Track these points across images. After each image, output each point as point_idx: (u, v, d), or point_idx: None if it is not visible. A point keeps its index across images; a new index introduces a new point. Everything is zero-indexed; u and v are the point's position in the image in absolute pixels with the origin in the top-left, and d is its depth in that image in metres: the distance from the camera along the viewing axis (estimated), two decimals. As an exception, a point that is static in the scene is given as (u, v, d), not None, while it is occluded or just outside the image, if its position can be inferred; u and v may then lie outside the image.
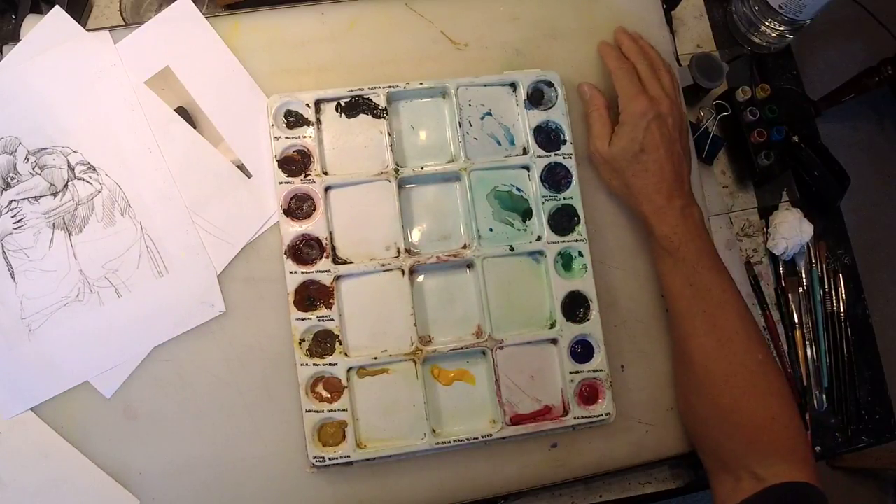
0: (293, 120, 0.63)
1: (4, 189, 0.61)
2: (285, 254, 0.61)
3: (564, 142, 0.65)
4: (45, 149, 0.62)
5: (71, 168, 0.62)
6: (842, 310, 0.77)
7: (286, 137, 0.62)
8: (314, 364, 0.60)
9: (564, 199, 0.64)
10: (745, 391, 0.57)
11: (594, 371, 0.62)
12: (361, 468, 0.61)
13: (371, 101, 0.64)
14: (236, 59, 0.64)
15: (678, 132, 0.63)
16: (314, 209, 0.62)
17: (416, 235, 0.64)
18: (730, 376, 0.57)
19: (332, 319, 0.61)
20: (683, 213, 0.61)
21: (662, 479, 0.69)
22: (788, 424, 0.56)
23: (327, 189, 0.62)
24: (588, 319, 0.63)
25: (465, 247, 0.63)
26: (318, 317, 0.60)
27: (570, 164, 0.65)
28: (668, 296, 0.62)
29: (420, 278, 0.63)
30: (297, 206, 0.62)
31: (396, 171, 0.63)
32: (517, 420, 0.61)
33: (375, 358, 0.61)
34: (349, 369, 0.60)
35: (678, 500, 0.72)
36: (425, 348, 0.61)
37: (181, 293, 0.61)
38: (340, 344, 0.60)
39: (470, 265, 0.63)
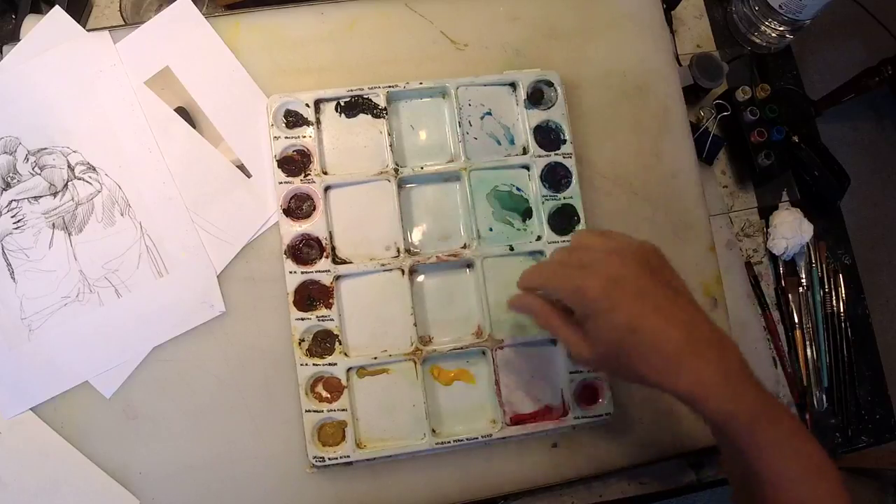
0: (293, 120, 0.63)
1: (4, 189, 0.61)
2: (285, 254, 0.61)
3: (564, 141, 0.65)
4: (45, 149, 0.62)
5: (71, 168, 0.62)
6: (842, 310, 0.77)
7: (286, 137, 0.62)
8: (314, 364, 0.60)
9: (564, 198, 0.64)
10: None
11: (594, 371, 0.62)
12: (361, 468, 0.61)
13: (371, 100, 0.64)
14: (236, 59, 0.64)
15: (649, 276, 0.48)
16: (314, 209, 0.62)
17: (415, 235, 0.64)
18: None
19: (332, 319, 0.61)
20: (721, 368, 0.45)
21: (662, 479, 0.69)
22: None
23: (327, 189, 0.62)
24: (588, 319, 0.63)
25: (465, 247, 0.63)
26: (317, 317, 0.60)
27: (570, 163, 0.65)
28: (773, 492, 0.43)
29: (420, 278, 0.63)
30: (297, 206, 0.62)
31: (396, 170, 0.63)
32: (517, 420, 0.61)
33: (375, 358, 0.61)
34: (349, 369, 0.60)
35: (678, 500, 0.72)
36: (425, 348, 0.61)
37: (181, 293, 0.61)
38: (340, 344, 0.60)
39: (470, 265, 0.63)
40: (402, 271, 0.62)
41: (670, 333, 0.45)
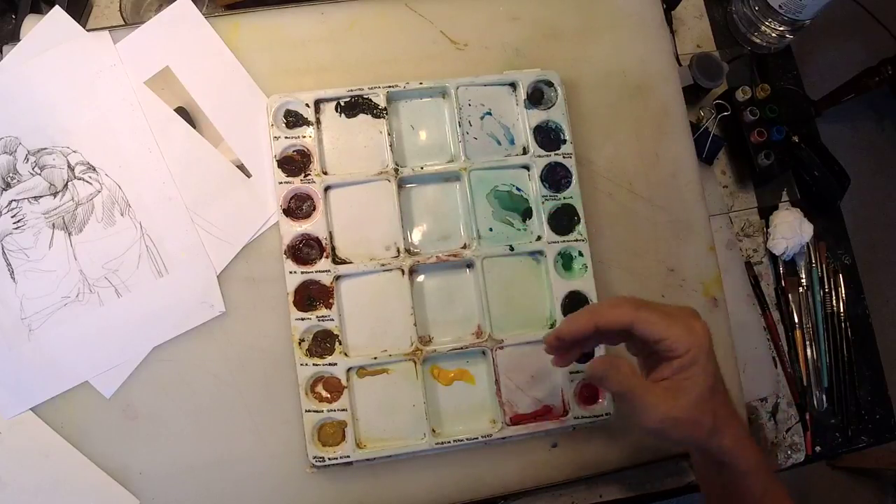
0: (293, 120, 0.63)
1: (4, 189, 0.61)
2: (285, 254, 0.61)
3: (564, 141, 0.65)
4: (45, 149, 0.62)
5: (71, 168, 0.62)
6: (842, 310, 0.77)
7: (286, 137, 0.62)
8: (314, 364, 0.60)
9: (564, 198, 0.64)
10: None
11: (594, 371, 0.62)
12: (361, 468, 0.61)
13: (371, 100, 0.64)
14: (236, 59, 0.64)
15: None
16: (314, 209, 0.62)
17: (415, 235, 0.64)
18: None
19: (332, 319, 0.61)
20: (745, 429, 0.51)
21: (662, 479, 0.69)
22: None
23: (327, 189, 0.62)
24: (588, 319, 0.63)
25: (464, 247, 0.63)
26: (317, 317, 0.60)
27: (570, 163, 0.65)
28: None
29: (420, 278, 0.63)
30: (297, 206, 0.62)
31: (396, 170, 0.63)
32: (517, 420, 0.61)
33: (375, 358, 0.61)
34: (349, 369, 0.60)
35: (678, 500, 0.72)
36: (425, 348, 0.61)
37: (181, 293, 0.61)
38: (340, 344, 0.60)
39: (470, 265, 0.63)
40: (402, 271, 0.62)
41: (727, 393, 0.50)
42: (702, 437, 0.48)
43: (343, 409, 0.60)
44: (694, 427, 0.48)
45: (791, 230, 0.75)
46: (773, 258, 0.77)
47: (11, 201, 0.61)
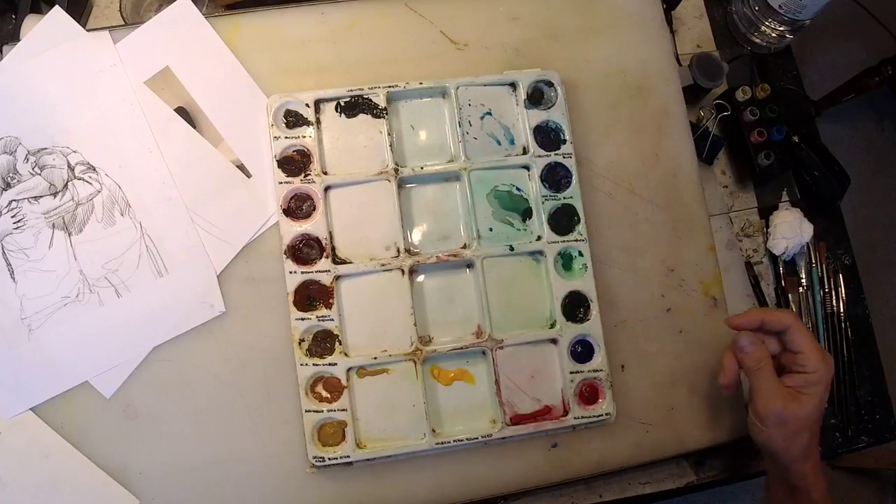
0: (293, 120, 0.63)
1: (4, 189, 0.61)
2: (285, 254, 0.61)
3: (564, 141, 0.65)
4: (45, 149, 0.62)
5: (71, 168, 0.62)
6: (842, 309, 0.77)
7: (286, 137, 0.62)
8: (314, 364, 0.60)
9: (564, 198, 0.64)
10: None
11: (594, 371, 0.62)
12: (361, 468, 0.61)
13: (371, 100, 0.64)
14: (236, 59, 0.64)
15: None
16: (314, 209, 0.62)
17: (415, 235, 0.64)
18: None
19: (332, 319, 0.61)
20: (821, 462, 0.59)
21: (662, 479, 0.69)
22: None
23: (327, 189, 0.62)
24: (588, 319, 0.63)
25: (464, 247, 0.63)
26: (317, 317, 0.60)
27: (570, 163, 0.65)
28: None
29: (420, 278, 0.63)
30: (297, 206, 0.62)
31: (396, 170, 0.63)
32: (517, 420, 0.61)
33: (375, 358, 0.61)
34: (349, 369, 0.60)
35: (678, 500, 0.72)
36: (425, 348, 0.61)
37: (181, 293, 0.61)
38: (340, 344, 0.60)
39: (470, 265, 0.63)
40: (402, 271, 0.62)
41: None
42: (794, 455, 0.56)
43: (343, 409, 0.60)
44: (793, 439, 0.55)
45: (791, 230, 0.75)
46: (773, 258, 0.77)
47: (11, 201, 0.61)
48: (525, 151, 0.65)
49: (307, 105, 0.63)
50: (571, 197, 0.64)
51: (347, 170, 0.63)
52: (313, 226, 0.62)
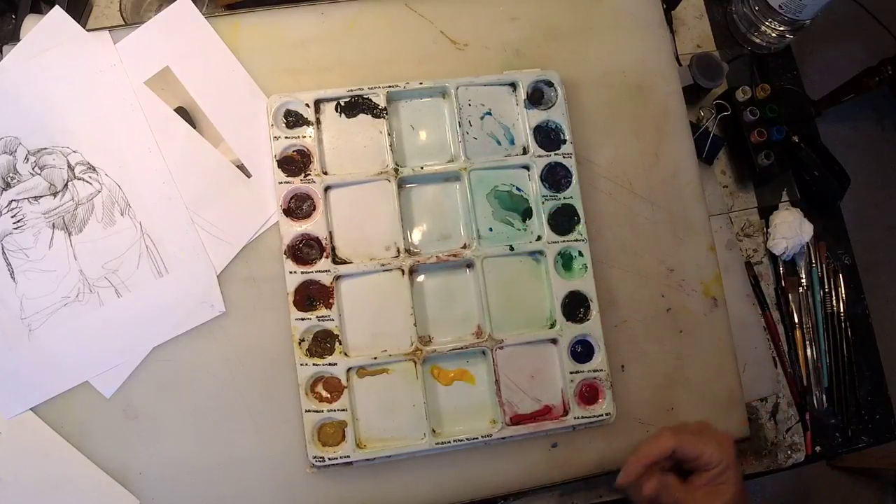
0: (293, 120, 0.63)
1: (4, 189, 0.61)
2: (285, 254, 0.61)
3: (564, 141, 0.65)
4: (45, 149, 0.62)
5: (71, 168, 0.62)
6: (842, 310, 0.77)
7: (286, 137, 0.62)
8: (314, 364, 0.60)
9: (564, 198, 0.64)
10: None
11: (594, 371, 0.62)
12: (361, 468, 0.61)
13: (371, 100, 0.64)
14: (236, 59, 0.64)
15: None
16: (314, 209, 0.62)
17: (415, 235, 0.64)
18: None
19: (332, 319, 0.61)
20: None
21: (662, 479, 0.69)
22: None
23: (327, 189, 0.62)
24: (588, 319, 0.63)
25: (464, 247, 0.63)
26: (317, 317, 0.60)
27: (570, 163, 0.65)
28: None
29: (420, 278, 0.63)
30: (297, 206, 0.62)
31: (396, 170, 0.63)
32: (517, 420, 0.61)
33: (375, 358, 0.61)
34: (349, 369, 0.60)
35: (678, 500, 0.72)
36: (425, 348, 0.61)
37: (181, 293, 0.61)
38: (340, 344, 0.60)
39: (470, 265, 0.63)
40: (402, 271, 0.62)
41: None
42: None
43: (343, 409, 0.60)
44: None
45: (791, 230, 0.75)
46: (773, 258, 0.77)
47: (11, 201, 0.61)
48: (525, 151, 0.65)
49: (307, 105, 0.63)
50: (571, 197, 0.64)
51: (347, 170, 0.63)
52: (313, 226, 0.62)
